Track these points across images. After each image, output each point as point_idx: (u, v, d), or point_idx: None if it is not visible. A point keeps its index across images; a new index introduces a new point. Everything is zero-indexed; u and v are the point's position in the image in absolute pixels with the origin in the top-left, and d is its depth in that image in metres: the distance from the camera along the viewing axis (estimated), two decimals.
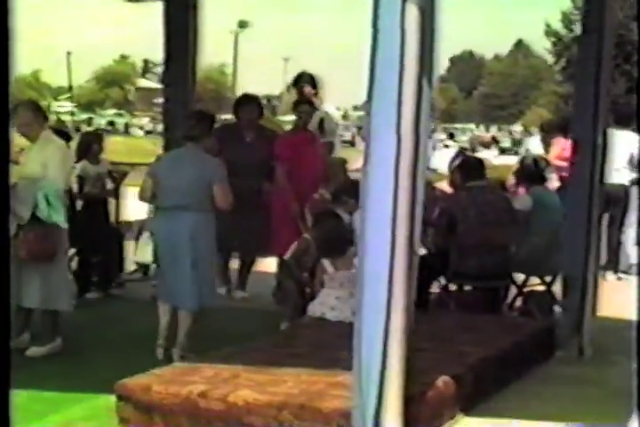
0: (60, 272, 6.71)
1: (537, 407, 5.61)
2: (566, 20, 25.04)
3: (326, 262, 6.83)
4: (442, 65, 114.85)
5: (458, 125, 58.38)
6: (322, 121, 9.16)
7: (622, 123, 11.97)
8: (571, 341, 6.85)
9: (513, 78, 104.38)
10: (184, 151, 6.86)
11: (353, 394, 4.33)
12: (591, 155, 6.67)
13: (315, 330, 6.52)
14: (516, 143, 31.67)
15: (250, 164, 8.46)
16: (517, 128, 57.44)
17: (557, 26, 24.85)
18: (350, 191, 7.46)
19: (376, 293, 4.22)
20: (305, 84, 9.29)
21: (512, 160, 14.21)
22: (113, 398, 5.18)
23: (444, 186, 8.70)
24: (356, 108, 64.16)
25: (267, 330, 7.21)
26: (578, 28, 25.17)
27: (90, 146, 8.84)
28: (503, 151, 31.81)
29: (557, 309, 7.97)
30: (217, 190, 6.58)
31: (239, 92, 13.54)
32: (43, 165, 6.53)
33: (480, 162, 8.19)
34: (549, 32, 24.91)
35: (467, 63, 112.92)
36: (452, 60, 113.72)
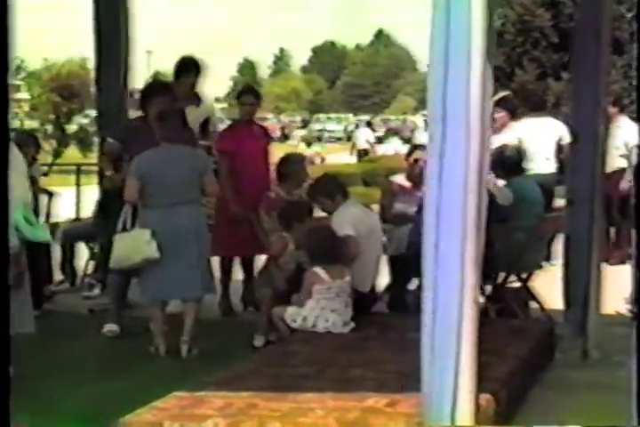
0: (25, 291, 5.88)
1: (555, 416, 5.12)
2: None
3: (320, 271, 6.21)
4: (304, 56, 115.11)
5: (333, 115, 58.00)
6: (207, 120, 8.28)
7: (538, 109, 11.73)
8: (573, 341, 6.39)
9: (375, 68, 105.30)
10: (168, 149, 6.73)
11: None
12: (592, 145, 6.26)
13: (306, 345, 5.86)
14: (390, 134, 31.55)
15: None
16: (392, 117, 57.55)
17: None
18: (326, 190, 6.84)
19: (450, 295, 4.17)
20: (189, 72, 8.11)
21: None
22: None
23: (402, 180, 8.10)
24: (217, 100, 62.65)
25: (240, 343, 6.64)
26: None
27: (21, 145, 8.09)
28: (380, 141, 31.69)
29: (534, 305, 7.59)
30: (208, 180, 6.75)
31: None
32: None
33: None
34: None
35: (329, 53, 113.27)
36: (315, 51, 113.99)
